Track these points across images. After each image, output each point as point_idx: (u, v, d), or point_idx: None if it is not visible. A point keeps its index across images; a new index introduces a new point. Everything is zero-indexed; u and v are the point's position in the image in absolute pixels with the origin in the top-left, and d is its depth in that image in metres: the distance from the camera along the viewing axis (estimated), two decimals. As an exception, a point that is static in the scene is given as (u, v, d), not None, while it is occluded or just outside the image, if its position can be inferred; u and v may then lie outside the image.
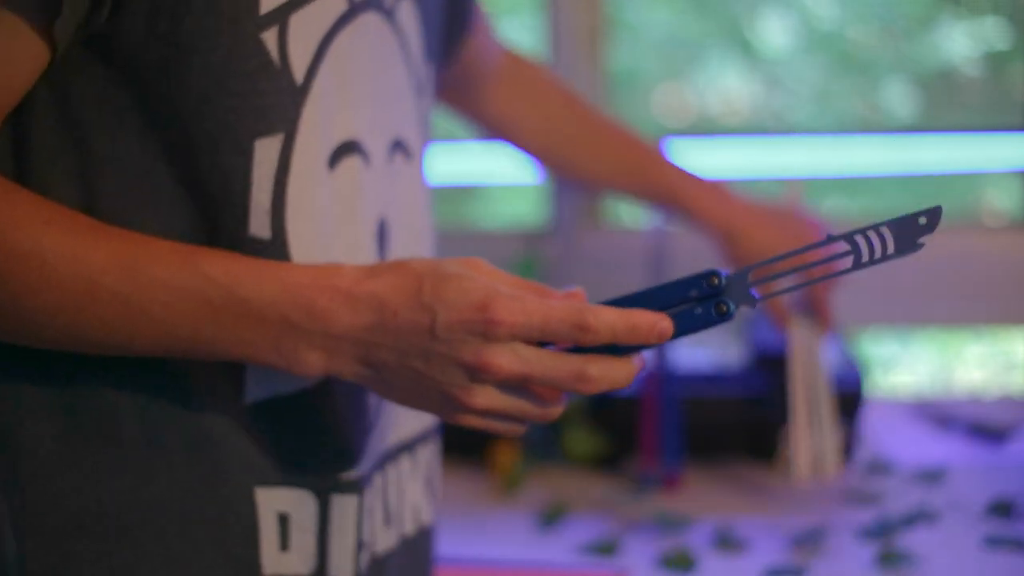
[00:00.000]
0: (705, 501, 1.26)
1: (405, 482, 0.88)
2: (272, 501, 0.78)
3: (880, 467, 1.33)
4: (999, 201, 2.08)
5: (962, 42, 1.99)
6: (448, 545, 1.15)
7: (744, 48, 2.06)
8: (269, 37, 0.71)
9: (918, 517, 1.19)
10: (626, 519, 1.22)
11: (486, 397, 0.69)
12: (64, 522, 0.75)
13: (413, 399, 0.71)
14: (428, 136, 0.90)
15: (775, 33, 2.04)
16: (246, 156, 0.72)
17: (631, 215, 1.83)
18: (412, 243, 0.86)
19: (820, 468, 1.27)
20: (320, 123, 0.75)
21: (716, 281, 0.69)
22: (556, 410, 0.72)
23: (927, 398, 1.55)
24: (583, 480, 1.32)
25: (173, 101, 0.70)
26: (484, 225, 1.97)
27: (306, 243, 0.75)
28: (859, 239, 0.67)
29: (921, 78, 2.04)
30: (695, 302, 0.69)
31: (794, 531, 1.18)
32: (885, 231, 0.66)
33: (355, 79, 0.78)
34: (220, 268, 0.69)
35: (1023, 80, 1.98)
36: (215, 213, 0.72)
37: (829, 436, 1.27)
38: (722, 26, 2.08)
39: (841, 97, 2.10)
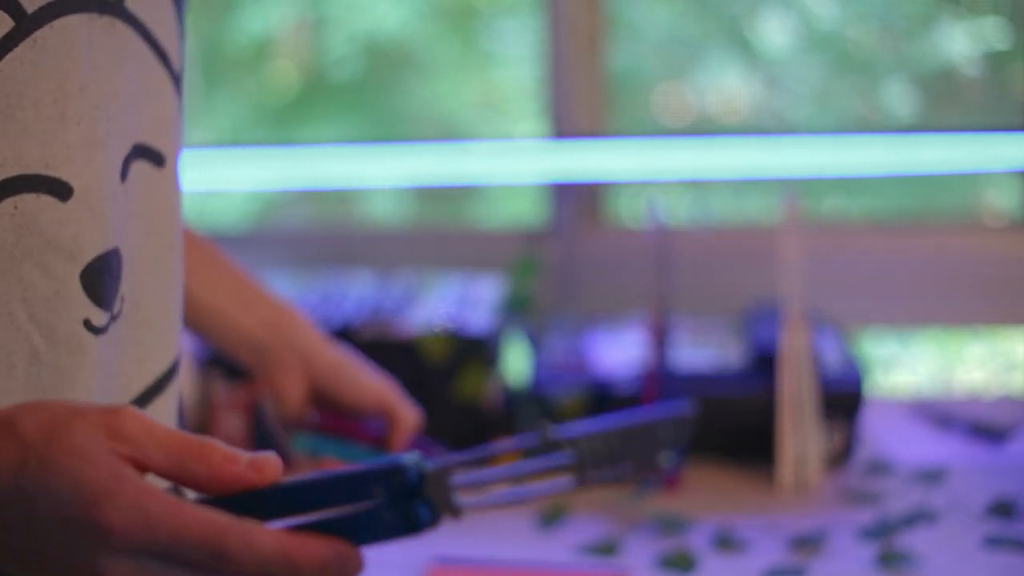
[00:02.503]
0: (705, 501, 1.26)
1: None
2: None
3: (880, 467, 1.33)
4: (999, 201, 2.08)
5: (962, 42, 1.99)
6: (448, 545, 1.15)
7: (744, 48, 2.06)
8: None
9: (918, 517, 1.19)
10: (626, 519, 1.22)
11: None
12: None
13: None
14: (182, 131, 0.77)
15: (775, 33, 2.04)
16: None
17: (631, 215, 1.83)
18: (151, 271, 0.73)
19: (803, 475, 1.28)
20: None
21: (401, 479, 0.55)
22: None
23: (927, 398, 1.55)
24: (583, 480, 1.32)
25: None
26: (484, 225, 1.97)
27: None
28: (583, 445, 0.56)
29: (921, 78, 2.04)
30: (384, 503, 0.55)
31: (794, 531, 1.18)
32: (614, 440, 0.56)
33: (36, 104, 0.64)
34: None
35: (1023, 80, 1.98)
36: None
37: (813, 444, 1.28)
38: (722, 26, 2.08)
39: (841, 97, 2.10)
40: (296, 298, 1.49)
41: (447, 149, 1.74)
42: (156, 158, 0.73)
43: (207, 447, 0.56)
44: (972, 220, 1.91)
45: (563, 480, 0.57)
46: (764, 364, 1.33)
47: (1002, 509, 1.20)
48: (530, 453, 0.56)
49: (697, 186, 2.04)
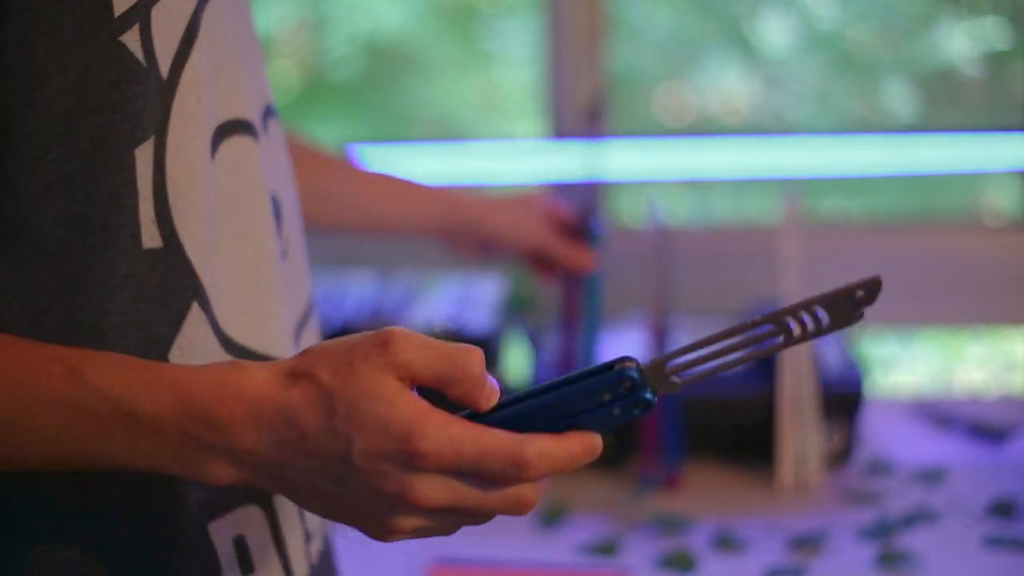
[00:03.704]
0: (705, 501, 1.26)
1: None
2: (224, 530, 0.73)
3: (880, 467, 1.33)
4: (999, 201, 2.08)
5: (962, 42, 1.99)
6: (449, 545, 1.15)
7: (744, 48, 2.06)
8: (130, 38, 0.66)
9: (918, 517, 1.19)
10: (626, 519, 1.22)
11: (412, 522, 0.63)
12: None
13: (335, 516, 0.65)
14: None
15: (775, 33, 2.04)
16: (129, 169, 0.67)
17: (631, 215, 1.83)
18: (293, 216, 0.82)
19: (803, 475, 1.28)
20: (193, 112, 0.70)
21: (629, 384, 0.63)
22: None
23: (927, 398, 1.55)
24: (583, 480, 1.32)
25: (36, 134, 0.65)
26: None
27: (201, 240, 0.70)
28: (789, 320, 0.62)
29: (921, 78, 2.04)
30: (610, 403, 0.63)
31: (794, 531, 1.18)
32: (818, 309, 0.62)
33: (228, 52, 0.73)
34: (108, 379, 0.63)
35: (1023, 80, 1.98)
36: (107, 238, 0.67)
37: (813, 444, 1.28)
38: (722, 26, 2.08)
39: (841, 97, 2.10)
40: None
41: (447, 149, 1.74)
42: (277, 114, 0.81)
43: (461, 367, 0.64)
44: (972, 220, 1.90)
45: (770, 341, 0.63)
46: (764, 364, 1.33)
47: (1002, 509, 1.20)
48: (733, 333, 0.63)
49: (697, 186, 2.04)
